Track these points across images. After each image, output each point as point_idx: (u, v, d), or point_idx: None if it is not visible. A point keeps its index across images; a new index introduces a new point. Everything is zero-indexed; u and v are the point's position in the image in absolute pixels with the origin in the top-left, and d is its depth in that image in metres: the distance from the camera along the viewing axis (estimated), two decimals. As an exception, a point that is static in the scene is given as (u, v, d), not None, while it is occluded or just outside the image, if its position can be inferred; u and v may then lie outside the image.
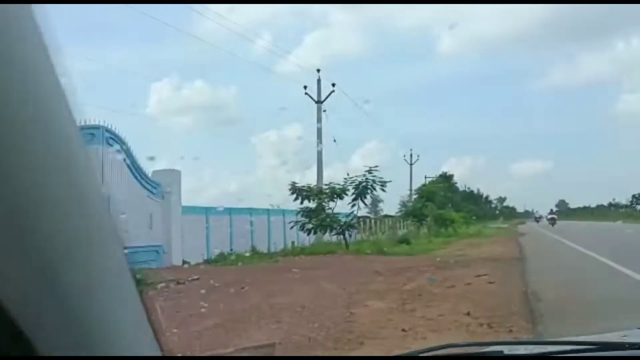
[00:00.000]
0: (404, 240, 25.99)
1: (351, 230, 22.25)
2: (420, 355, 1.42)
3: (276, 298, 8.60)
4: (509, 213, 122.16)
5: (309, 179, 24.95)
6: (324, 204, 21.55)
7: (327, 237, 23.33)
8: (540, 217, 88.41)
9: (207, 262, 18.64)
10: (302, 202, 22.06)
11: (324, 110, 30.27)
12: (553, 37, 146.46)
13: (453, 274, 11.78)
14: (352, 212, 22.22)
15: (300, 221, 21.72)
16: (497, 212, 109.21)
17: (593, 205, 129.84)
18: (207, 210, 20.37)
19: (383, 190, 22.03)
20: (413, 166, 57.04)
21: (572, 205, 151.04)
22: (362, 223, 35.29)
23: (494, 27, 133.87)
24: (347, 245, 21.58)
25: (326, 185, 22.69)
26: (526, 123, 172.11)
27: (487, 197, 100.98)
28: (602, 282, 9.54)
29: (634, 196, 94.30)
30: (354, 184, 21.91)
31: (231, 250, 20.66)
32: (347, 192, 22.04)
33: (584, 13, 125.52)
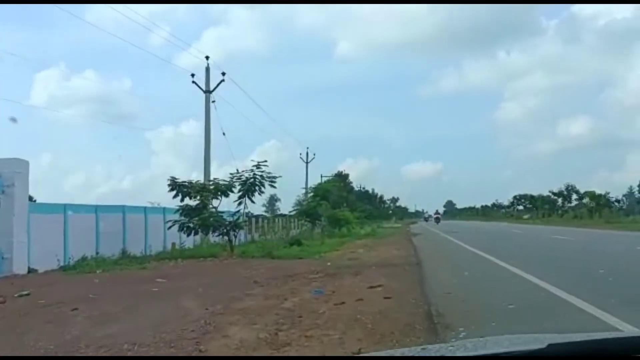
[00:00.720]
0: (296, 242, 24.31)
1: (237, 230, 20.15)
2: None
3: (108, 326, 6.41)
4: (402, 213, 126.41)
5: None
6: (206, 201, 19.28)
7: (216, 238, 21.11)
8: (430, 216, 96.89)
9: (63, 269, 15.78)
10: (182, 200, 19.64)
11: (213, 101, 28.03)
12: (443, 44, 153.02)
13: (344, 283, 10.14)
14: (239, 210, 20.14)
15: (179, 220, 19.30)
16: (390, 212, 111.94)
17: (478, 205, 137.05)
18: (65, 208, 17.38)
19: (272, 186, 20.17)
20: (310, 166, 56.18)
21: (459, 206, 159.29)
22: (254, 222, 33.37)
23: (388, 32, 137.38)
24: (231, 247, 19.47)
25: (210, 181, 20.41)
26: (417, 126, 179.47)
27: (381, 197, 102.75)
28: (511, 287, 8.33)
29: (515, 197, 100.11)
30: (240, 179, 19.86)
31: (97, 253, 17.85)
32: (233, 189, 19.93)
33: (472, 22, 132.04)
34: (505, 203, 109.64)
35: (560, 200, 77.72)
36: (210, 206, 19.83)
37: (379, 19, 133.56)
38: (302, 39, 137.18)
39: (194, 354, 5.02)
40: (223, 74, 28.19)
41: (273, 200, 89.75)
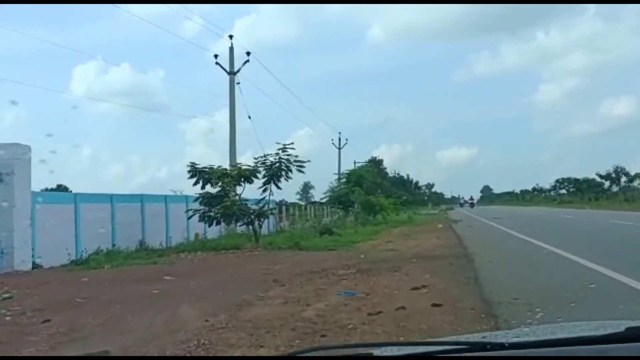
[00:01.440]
0: (327, 231, 22.64)
1: (262, 220, 18.57)
2: (300, 355, 1.35)
3: (67, 348, 4.85)
4: (437, 199, 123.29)
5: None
6: (228, 188, 17.73)
7: (242, 227, 19.62)
8: (465, 202, 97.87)
9: (76, 263, 14.50)
10: (203, 187, 18.18)
11: (238, 83, 26.43)
12: (478, 28, 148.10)
13: (380, 282, 8.40)
14: (264, 198, 18.54)
15: (200, 209, 17.84)
16: (426, 198, 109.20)
17: (517, 190, 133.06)
18: (76, 198, 16.10)
19: (300, 171, 18.46)
20: (343, 153, 54.39)
21: (497, 191, 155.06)
22: (285, 211, 31.85)
23: (421, 18, 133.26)
24: (256, 238, 17.92)
25: (233, 166, 18.86)
26: (452, 111, 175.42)
27: (416, 183, 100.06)
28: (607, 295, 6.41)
29: (557, 181, 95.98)
30: (265, 164, 18.25)
31: (113, 246, 16.56)
32: (257, 175, 18.34)
33: (506, 4, 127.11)
34: (547, 187, 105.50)
35: (608, 183, 73.70)
36: (233, 193, 18.30)
37: (411, 3, 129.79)
38: (332, 25, 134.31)
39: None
40: (248, 53, 26.53)
41: (307, 187, 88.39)
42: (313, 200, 59.70)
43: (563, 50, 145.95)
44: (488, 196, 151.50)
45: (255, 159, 18.77)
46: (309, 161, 18.86)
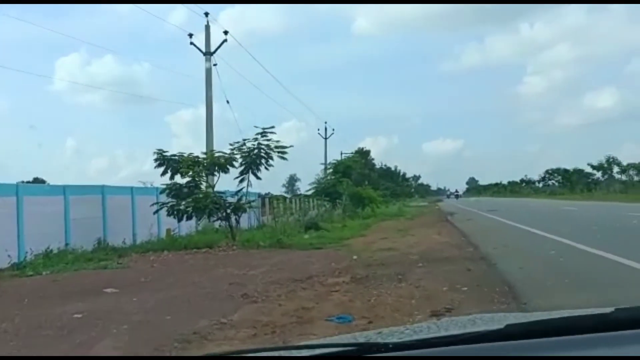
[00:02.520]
0: (312, 225, 20.53)
1: (239, 214, 16.36)
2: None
3: None
4: (424, 191, 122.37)
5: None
6: (199, 178, 15.50)
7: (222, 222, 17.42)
8: (451, 194, 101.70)
9: (18, 267, 12.22)
10: (172, 177, 15.93)
11: (215, 64, 24.14)
12: (464, 19, 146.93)
13: (383, 300, 6.27)
14: (241, 189, 16.32)
15: (167, 203, 15.59)
16: (412, 190, 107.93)
17: (504, 181, 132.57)
18: (18, 189, 13.76)
19: (283, 158, 16.22)
20: (329, 145, 52.40)
21: (482, 182, 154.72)
22: (268, 204, 29.66)
23: (406, 8, 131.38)
24: (233, 235, 15.72)
25: (205, 154, 16.56)
26: (438, 103, 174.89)
27: (404, 175, 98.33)
28: None
29: (547, 172, 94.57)
30: (242, 151, 16.03)
31: (66, 245, 14.29)
32: (234, 163, 16.13)
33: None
34: (535, 178, 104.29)
35: (599, 173, 72.33)
36: (206, 184, 16.08)
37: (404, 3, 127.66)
38: (318, 17, 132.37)
39: None
40: (225, 32, 24.27)
41: (293, 180, 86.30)
42: (299, 192, 57.63)
43: (548, 43, 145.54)
44: (474, 188, 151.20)
45: (231, 145, 16.55)
46: (291, 146, 16.68)
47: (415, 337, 1.24)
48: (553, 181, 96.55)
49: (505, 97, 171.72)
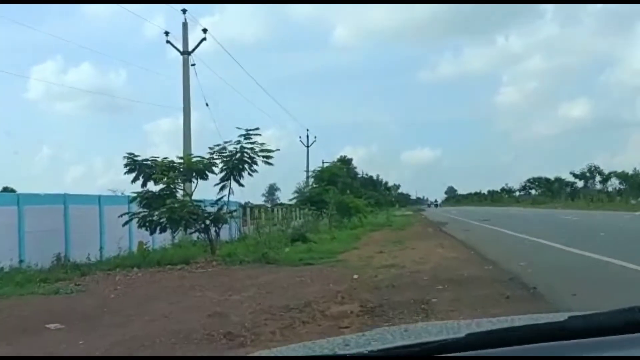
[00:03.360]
0: (300, 237, 18.88)
1: (220, 225, 14.64)
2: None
3: None
4: (404, 200, 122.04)
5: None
6: (173, 185, 13.79)
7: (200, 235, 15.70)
8: (431, 203, 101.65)
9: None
10: (144, 184, 14.19)
11: (193, 64, 22.51)
12: (441, 30, 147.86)
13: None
14: (221, 198, 14.65)
15: (138, 213, 13.85)
16: (393, 199, 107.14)
17: (484, 190, 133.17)
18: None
19: (268, 163, 14.60)
20: (310, 153, 51.04)
21: (461, 192, 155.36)
22: (249, 213, 27.95)
23: (385, 19, 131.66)
24: (212, 249, 14.02)
25: (180, 158, 14.82)
26: (416, 112, 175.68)
27: (386, 184, 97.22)
28: None
29: (528, 180, 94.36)
30: (223, 155, 14.38)
31: (20, 262, 12.45)
32: (213, 168, 14.47)
33: (469, 7, 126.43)
34: (516, 187, 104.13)
35: (582, 182, 72.05)
36: (182, 192, 14.39)
37: (375, 4, 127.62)
38: (298, 26, 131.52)
39: None
40: (204, 30, 22.68)
41: (273, 189, 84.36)
42: (279, 202, 55.86)
43: (523, 54, 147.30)
44: (453, 197, 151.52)
45: (210, 148, 14.88)
46: (277, 150, 15.07)
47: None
48: (534, 190, 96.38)
49: (482, 107, 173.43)
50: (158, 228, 13.85)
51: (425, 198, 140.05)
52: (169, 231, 13.97)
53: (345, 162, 69.84)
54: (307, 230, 23.53)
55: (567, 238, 13.30)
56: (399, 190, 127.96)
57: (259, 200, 52.64)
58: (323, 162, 49.99)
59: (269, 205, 46.97)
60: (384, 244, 16.33)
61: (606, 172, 66.83)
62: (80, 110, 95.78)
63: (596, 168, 68.43)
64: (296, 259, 13.06)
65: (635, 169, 58.40)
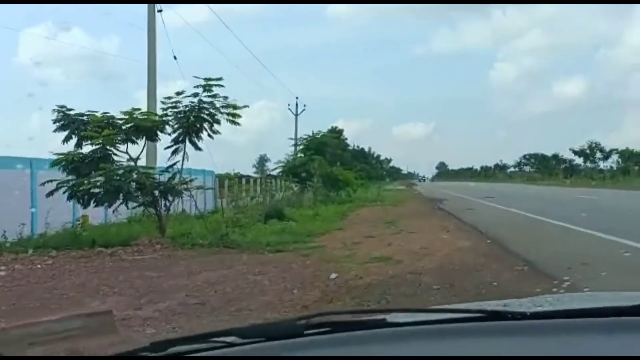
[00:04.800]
0: (276, 213, 16.12)
1: (171, 199, 11.74)
2: (301, 322, 1.21)
3: None
4: (395, 174, 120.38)
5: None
6: (107, 147, 10.86)
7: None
8: (422, 178, 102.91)
9: None
10: (79, 145, 11.28)
11: (160, 10, 19.26)
12: (437, 4, 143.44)
13: None
14: (174, 164, 11.78)
15: (67, 181, 10.94)
16: (384, 173, 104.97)
17: (476, 166, 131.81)
18: None
19: (234, 122, 11.69)
20: (301, 124, 48.23)
21: (452, 167, 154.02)
22: (226, 186, 25.10)
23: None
24: (161, 227, 11.22)
25: (124, 113, 11.84)
26: (410, 87, 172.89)
27: (378, 157, 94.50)
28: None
29: (524, 156, 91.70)
30: (176, 109, 11.48)
31: None
32: (165, 127, 11.58)
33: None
34: (511, 163, 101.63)
35: (581, 159, 69.48)
36: (127, 158, 11.47)
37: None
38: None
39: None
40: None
41: (263, 160, 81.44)
42: (269, 173, 52.99)
43: (520, 30, 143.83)
44: (444, 172, 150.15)
45: (163, 102, 11.97)
46: (246, 106, 12.17)
47: (549, 308, 1.30)
48: (528, 167, 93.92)
49: (476, 83, 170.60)
50: (92, 200, 10.99)
51: (416, 173, 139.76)
52: (99, 205, 11.06)
53: (336, 132, 66.97)
54: (287, 205, 20.82)
55: (610, 224, 10.56)
56: (391, 165, 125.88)
57: (249, 171, 49.90)
58: (313, 133, 47.04)
59: (257, 176, 44.16)
60: (375, 224, 13.61)
61: (607, 149, 64.30)
62: (66, 77, 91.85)
63: (597, 145, 65.90)
64: (263, 243, 10.29)
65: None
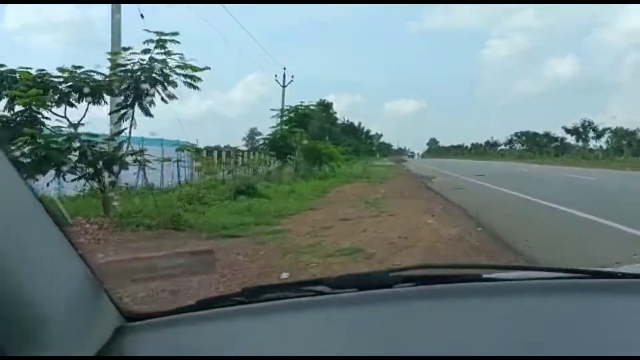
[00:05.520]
0: (248, 188, 14.64)
1: (117, 170, 10.17)
2: (394, 274, 1.18)
3: None
4: (386, 150, 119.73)
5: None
6: (34, 108, 9.23)
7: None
8: (412, 154, 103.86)
9: None
10: (10, 107, 9.63)
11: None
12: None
13: None
14: (121, 131, 10.20)
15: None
16: (374, 148, 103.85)
17: (467, 144, 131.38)
18: None
19: (193, 86, 10.10)
20: (289, 98, 46.46)
21: (444, 144, 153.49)
22: (208, 157, 23.55)
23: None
24: (105, 206, 9.68)
25: (61, 70, 10.16)
26: (401, 64, 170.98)
27: (368, 132, 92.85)
28: None
29: (516, 134, 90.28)
30: (125, 68, 9.86)
31: None
32: (111, 89, 9.96)
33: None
34: (502, 141, 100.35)
35: (574, 138, 68.11)
36: (68, 124, 9.83)
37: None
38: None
39: None
40: None
41: (254, 134, 79.60)
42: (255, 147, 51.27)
43: (513, 8, 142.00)
44: (435, 149, 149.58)
45: (110, 58, 10.33)
46: (207, 68, 10.51)
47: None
48: (519, 145, 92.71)
49: (469, 61, 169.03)
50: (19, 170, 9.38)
51: (407, 149, 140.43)
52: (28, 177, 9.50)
53: (325, 106, 65.12)
54: (266, 180, 19.37)
55: (616, 211, 9.15)
56: (381, 140, 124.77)
57: (239, 144, 48.44)
58: (302, 104, 45.23)
59: (246, 149, 42.49)
60: (354, 203, 12.15)
61: (600, 128, 62.88)
62: (54, 46, 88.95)
63: (590, 123, 64.52)
64: (219, 225, 8.83)
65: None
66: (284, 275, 5.21)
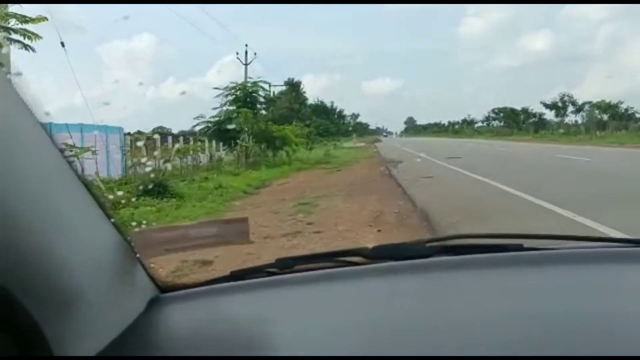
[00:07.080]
0: (157, 186, 11.34)
1: None
2: (432, 244, 1.20)
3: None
4: (362, 130, 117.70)
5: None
6: None
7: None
8: (388, 133, 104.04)
9: None
10: None
11: None
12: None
13: None
14: None
15: None
16: (350, 128, 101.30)
17: (444, 121, 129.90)
18: None
19: (30, 47, 6.80)
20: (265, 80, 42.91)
21: (421, 122, 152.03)
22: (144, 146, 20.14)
23: None
24: None
25: None
26: (378, 42, 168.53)
27: (340, 112, 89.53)
28: None
29: (493, 110, 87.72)
30: None
31: None
32: None
33: None
34: (479, 118, 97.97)
35: (553, 112, 65.64)
36: None
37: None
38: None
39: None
40: None
41: (201, 116, 75.98)
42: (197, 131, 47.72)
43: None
44: (413, 127, 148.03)
45: None
46: (45, 19, 7.13)
47: None
48: (497, 121, 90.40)
49: (444, 37, 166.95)
50: None
51: (384, 128, 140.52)
52: None
53: (293, 85, 61.70)
54: (195, 172, 16.11)
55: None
56: (358, 120, 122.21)
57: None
58: (270, 86, 41.40)
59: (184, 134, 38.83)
60: (283, 206, 8.96)
61: (580, 102, 60.48)
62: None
63: (569, 97, 62.09)
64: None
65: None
66: None
